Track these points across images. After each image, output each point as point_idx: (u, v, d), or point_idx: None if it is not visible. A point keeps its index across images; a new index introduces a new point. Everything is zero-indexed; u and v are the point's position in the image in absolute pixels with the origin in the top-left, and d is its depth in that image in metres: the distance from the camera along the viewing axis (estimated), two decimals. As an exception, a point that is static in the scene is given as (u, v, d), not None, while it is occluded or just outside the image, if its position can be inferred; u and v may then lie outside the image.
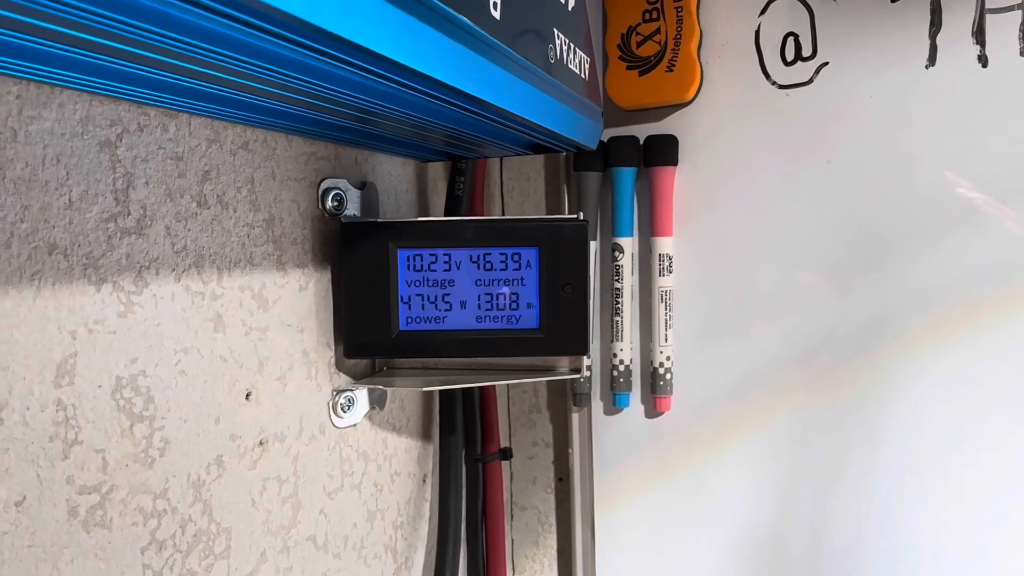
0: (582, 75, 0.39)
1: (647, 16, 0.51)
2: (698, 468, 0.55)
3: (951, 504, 0.48)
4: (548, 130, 0.36)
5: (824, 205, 0.50)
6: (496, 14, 0.27)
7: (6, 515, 0.23)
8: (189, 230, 0.30)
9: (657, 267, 0.53)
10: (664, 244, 0.53)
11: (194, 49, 0.20)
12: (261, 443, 0.34)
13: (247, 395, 0.33)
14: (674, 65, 0.51)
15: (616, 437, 0.57)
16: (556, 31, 0.34)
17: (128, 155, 0.28)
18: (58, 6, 0.17)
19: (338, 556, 0.40)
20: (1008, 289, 0.46)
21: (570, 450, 0.60)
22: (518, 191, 0.62)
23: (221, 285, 0.32)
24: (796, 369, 0.52)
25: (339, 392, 0.40)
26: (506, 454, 0.57)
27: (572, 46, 0.37)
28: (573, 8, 0.37)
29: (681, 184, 0.53)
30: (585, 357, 0.41)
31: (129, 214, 0.28)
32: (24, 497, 0.24)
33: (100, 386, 0.26)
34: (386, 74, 0.23)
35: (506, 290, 0.39)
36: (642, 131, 0.54)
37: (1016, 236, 0.45)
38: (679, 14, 0.51)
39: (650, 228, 0.54)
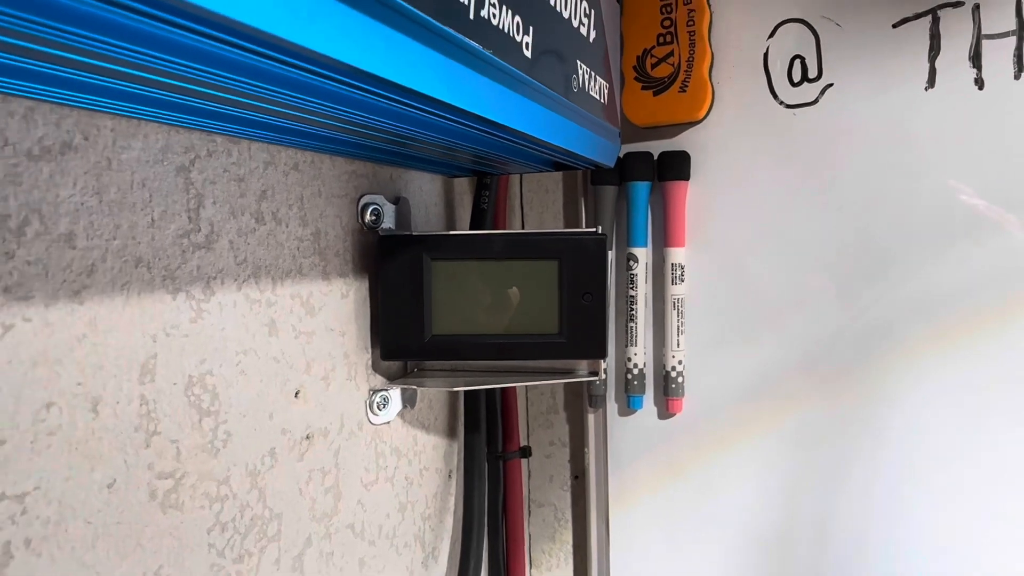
0: (601, 100, 0.42)
1: (661, 39, 0.54)
2: (708, 468, 0.58)
3: (952, 505, 0.51)
4: (570, 152, 0.39)
5: (829, 218, 0.53)
6: (528, 53, 0.30)
7: (100, 496, 0.27)
8: (249, 244, 0.34)
9: (670, 276, 0.56)
10: (677, 254, 0.56)
11: (263, 90, 0.24)
12: (308, 437, 0.38)
13: (296, 393, 0.37)
14: (687, 86, 0.54)
15: (630, 437, 0.60)
16: (579, 62, 0.37)
17: (199, 178, 0.31)
18: (151, 58, 0.20)
19: (373, 544, 0.44)
20: (1007, 298, 0.49)
21: (586, 449, 0.62)
22: (537, 203, 0.65)
23: (275, 293, 0.35)
24: (803, 374, 0.54)
25: (375, 391, 0.43)
26: (525, 452, 0.60)
27: (592, 74, 0.40)
28: (594, 39, 0.40)
29: (693, 198, 0.56)
30: (602, 361, 0.44)
31: (200, 230, 0.31)
32: (115, 480, 0.27)
33: (175, 383, 0.30)
34: (437, 112, 0.26)
35: (531, 298, 0.42)
36: (656, 147, 0.57)
37: (1014, 248, 0.48)
38: (692, 38, 0.54)
39: (663, 239, 0.57)
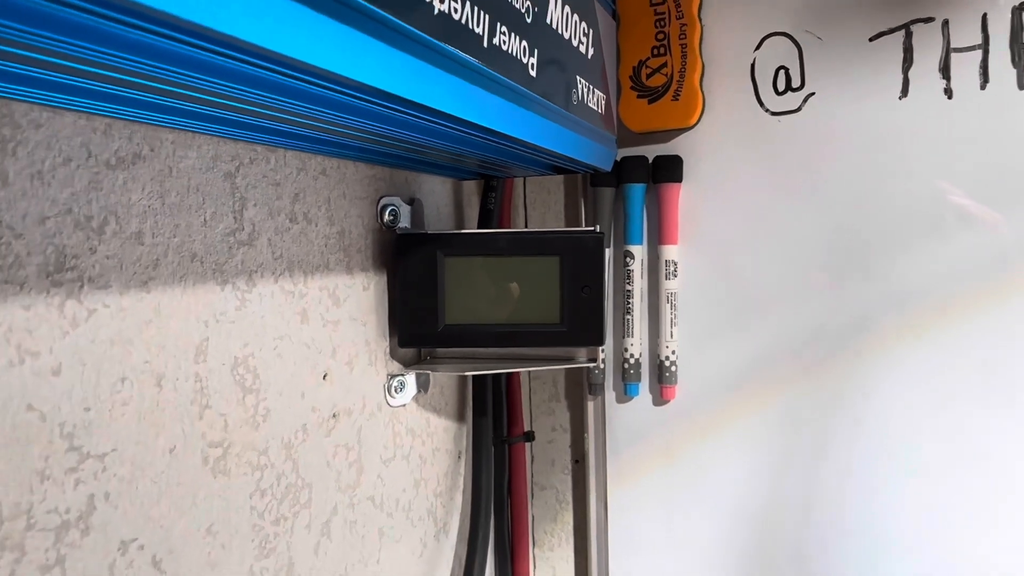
0: (599, 110, 0.46)
1: (656, 51, 0.58)
2: (700, 450, 0.62)
3: (921, 480, 0.55)
4: (571, 158, 0.43)
5: (811, 217, 0.57)
6: (533, 73, 0.34)
7: (163, 459, 0.31)
8: (284, 241, 0.38)
9: (664, 272, 0.60)
10: (670, 251, 0.60)
11: (304, 108, 0.28)
12: (334, 416, 0.42)
13: (324, 376, 0.41)
14: (679, 94, 0.58)
15: (627, 423, 0.64)
16: (578, 77, 0.41)
17: (243, 183, 0.35)
18: (206, 82, 0.24)
19: (391, 515, 0.48)
20: (973, 291, 0.53)
21: (586, 435, 0.67)
22: (540, 204, 0.69)
23: (306, 286, 0.39)
24: (787, 362, 0.59)
25: (393, 376, 0.47)
26: (529, 436, 0.64)
27: (591, 87, 0.44)
28: (592, 56, 0.44)
29: (685, 199, 0.60)
30: (600, 348, 0.48)
31: (243, 229, 0.35)
32: (175, 446, 0.31)
33: (223, 364, 0.34)
34: (453, 125, 0.30)
35: (535, 291, 0.46)
36: (651, 151, 0.61)
37: (981, 243, 0.52)
38: (684, 50, 0.58)
39: (658, 237, 0.61)
